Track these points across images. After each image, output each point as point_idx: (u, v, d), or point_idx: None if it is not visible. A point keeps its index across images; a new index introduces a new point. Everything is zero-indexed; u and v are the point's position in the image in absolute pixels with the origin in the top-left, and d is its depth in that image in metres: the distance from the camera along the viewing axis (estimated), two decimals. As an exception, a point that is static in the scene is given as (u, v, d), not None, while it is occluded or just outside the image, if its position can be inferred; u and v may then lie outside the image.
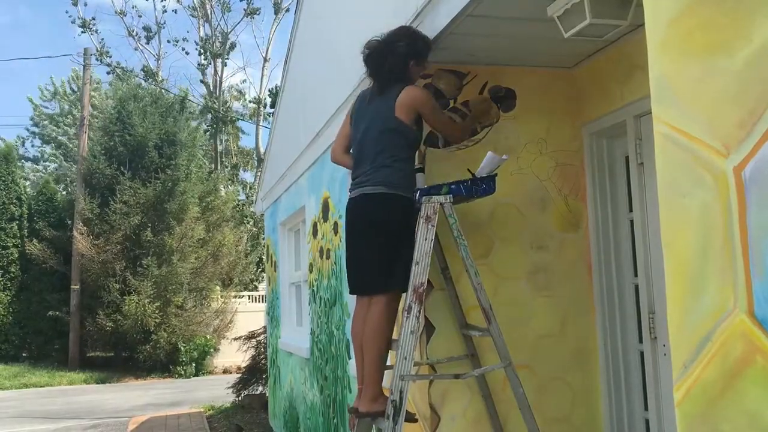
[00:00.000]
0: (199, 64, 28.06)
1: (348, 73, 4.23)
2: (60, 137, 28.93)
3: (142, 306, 15.38)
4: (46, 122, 29.74)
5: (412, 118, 2.93)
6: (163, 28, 28.83)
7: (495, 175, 3.03)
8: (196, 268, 16.63)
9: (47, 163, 30.25)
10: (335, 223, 4.91)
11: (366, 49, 3.08)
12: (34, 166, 30.55)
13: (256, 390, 10.29)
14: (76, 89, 28.42)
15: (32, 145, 30.42)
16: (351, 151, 3.18)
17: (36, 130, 29.93)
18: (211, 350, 16.90)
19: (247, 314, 17.50)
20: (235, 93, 29.82)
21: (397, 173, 2.90)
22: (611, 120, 3.32)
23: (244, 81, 33.34)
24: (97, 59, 25.52)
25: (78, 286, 16.85)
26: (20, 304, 17.33)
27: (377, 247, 2.89)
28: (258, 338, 10.58)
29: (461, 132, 3.25)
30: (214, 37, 27.80)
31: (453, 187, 2.95)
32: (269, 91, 26.83)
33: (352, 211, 3.00)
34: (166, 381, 15.66)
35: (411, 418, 2.90)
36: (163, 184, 16.46)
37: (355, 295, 3.08)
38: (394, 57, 2.98)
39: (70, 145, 26.24)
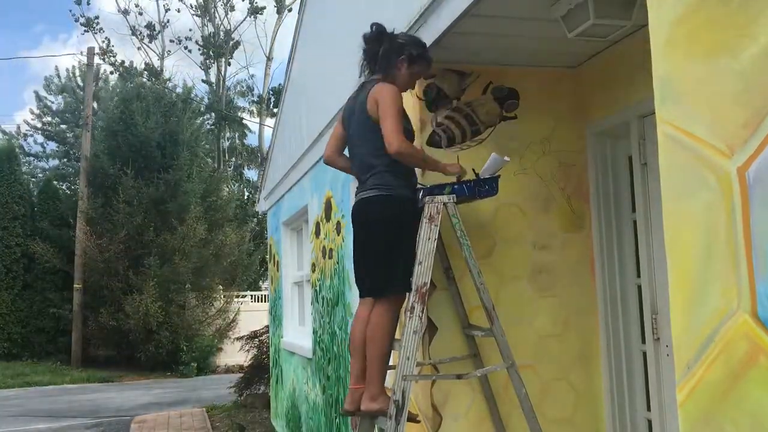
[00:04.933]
0: (202, 63, 28.11)
1: (351, 73, 4.23)
2: (65, 134, 28.91)
3: (145, 305, 15.39)
4: (49, 118, 29.72)
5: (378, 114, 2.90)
6: (166, 27, 28.89)
7: (498, 176, 3.03)
8: (198, 268, 16.65)
9: (50, 161, 30.27)
10: (338, 223, 4.92)
11: (373, 27, 3.05)
12: (36, 162, 30.56)
13: (259, 389, 10.30)
14: (82, 83, 28.39)
15: (35, 141, 30.44)
16: (347, 152, 3.19)
17: (38, 124, 29.91)
18: (214, 349, 16.91)
19: (250, 314, 17.51)
20: (243, 88, 29.77)
21: (389, 173, 2.87)
22: (615, 120, 3.32)
23: (253, 76, 33.22)
24: (100, 58, 25.58)
25: (81, 285, 16.87)
26: (23, 302, 17.37)
27: (376, 250, 2.90)
28: (260, 338, 10.59)
29: (406, 150, 2.80)
30: (217, 36, 27.83)
31: (456, 187, 2.95)
32: (272, 90, 26.90)
33: (354, 215, 3.02)
34: (168, 380, 15.67)
35: (413, 419, 2.91)
36: (165, 183, 16.49)
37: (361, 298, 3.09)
38: (388, 45, 2.97)
39: (75, 144, 26.27)
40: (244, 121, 28.64)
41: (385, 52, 2.97)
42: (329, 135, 5.08)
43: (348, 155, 3.17)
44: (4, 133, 29.52)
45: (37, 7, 50.28)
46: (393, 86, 2.90)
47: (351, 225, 3.08)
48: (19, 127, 30.40)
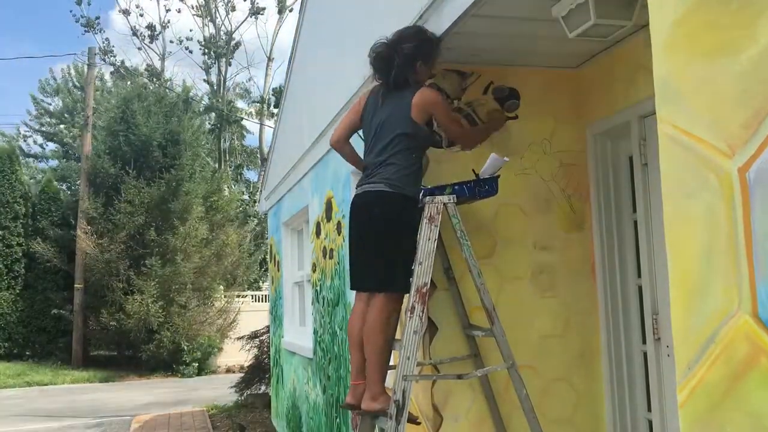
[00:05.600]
0: (203, 63, 28.11)
1: (351, 73, 4.23)
2: (63, 133, 28.97)
3: (146, 305, 15.41)
4: (46, 118, 29.78)
5: (424, 120, 2.94)
6: (167, 27, 28.89)
7: (498, 176, 3.03)
8: (199, 268, 16.65)
9: (49, 161, 30.34)
10: (338, 223, 4.92)
11: (372, 52, 3.07)
12: (36, 163, 30.61)
13: (259, 389, 10.30)
14: (78, 84, 28.46)
15: (34, 142, 30.52)
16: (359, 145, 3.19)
17: (36, 126, 29.99)
18: (215, 350, 16.92)
19: (251, 314, 17.51)
20: (240, 91, 29.84)
21: (402, 171, 2.89)
22: (615, 120, 3.32)
23: (250, 79, 33.30)
24: (101, 59, 25.58)
25: (82, 285, 16.89)
26: (24, 302, 17.39)
27: (377, 245, 2.90)
28: (261, 338, 10.59)
29: (472, 137, 3.21)
30: (218, 37, 27.84)
31: (456, 187, 2.95)
32: (273, 90, 26.91)
33: (355, 206, 3.01)
34: (169, 380, 15.68)
35: (413, 420, 2.91)
36: (167, 183, 16.49)
37: (354, 291, 3.09)
38: (400, 60, 2.96)
39: (74, 144, 26.32)
40: (243, 122, 28.66)
41: (400, 71, 2.97)
42: (330, 135, 5.09)
43: (364, 148, 3.16)
44: (4, 135, 29.60)
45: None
46: (436, 92, 3.00)
47: (348, 217, 3.09)
48: (18, 129, 30.51)
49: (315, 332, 5.75)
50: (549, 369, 3.38)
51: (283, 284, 7.56)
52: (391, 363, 3.11)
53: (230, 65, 28.25)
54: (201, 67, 28.34)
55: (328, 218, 5.24)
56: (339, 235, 4.91)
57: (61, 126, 29.32)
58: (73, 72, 29.10)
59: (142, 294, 15.58)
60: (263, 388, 10.18)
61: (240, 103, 29.61)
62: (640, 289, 3.29)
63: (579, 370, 3.43)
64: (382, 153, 2.95)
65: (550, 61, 3.47)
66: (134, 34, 28.18)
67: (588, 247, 3.50)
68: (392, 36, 3.06)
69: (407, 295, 2.86)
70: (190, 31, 38.33)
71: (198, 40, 27.91)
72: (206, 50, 27.63)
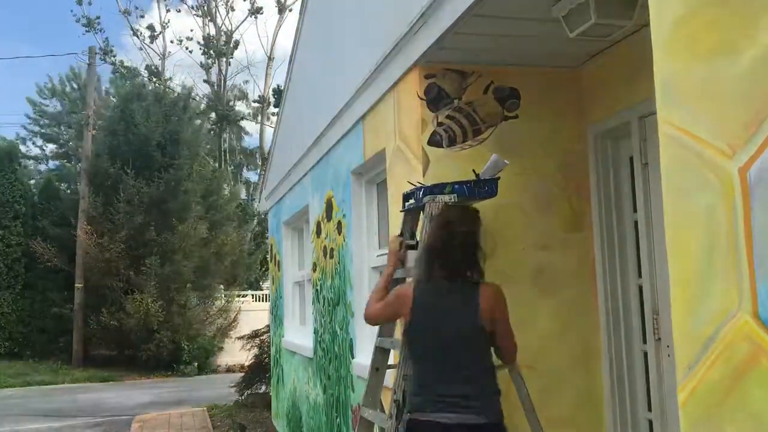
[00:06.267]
0: (202, 64, 28.10)
1: (352, 73, 4.23)
2: (62, 136, 29.03)
3: (146, 305, 15.41)
4: (46, 121, 29.85)
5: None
6: (167, 27, 28.87)
7: (498, 178, 3.03)
8: (199, 267, 16.66)
9: (49, 162, 30.41)
10: (339, 223, 4.91)
11: (460, 225, 2.67)
12: (36, 164, 30.67)
13: (260, 389, 10.30)
14: (76, 87, 28.52)
15: (34, 145, 30.60)
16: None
17: (35, 129, 30.07)
18: (215, 349, 16.93)
19: (251, 313, 17.54)
20: (238, 93, 29.84)
21: (496, 392, 2.64)
22: (616, 121, 3.31)
23: (247, 81, 33.32)
24: (101, 58, 25.55)
25: (82, 285, 16.90)
26: (24, 302, 17.41)
27: None
28: (261, 337, 10.60)
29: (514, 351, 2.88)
30: (218, 36, 27.83)
31: (456, 186, 2.95)
32: (273, 90, 26.90)
33: None
34: (169, 379, 15.68)
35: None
36: (166, 183, 16.50)
37: None
38: (477, 248, 2.66)
39: (73, 145, 26.34)
40: (242, 123, 28.67)
41: (476, 257, 2.65)
42: (330, 135, 5.10)
43: (416, 352, 2.71)
44: (4, 140, 29.71)
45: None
46: (499, 290, 2.69)
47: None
48: (18, 134, 30.67)
49: (315, 332, 5.75)
50: (549, 369, 3.37)
51: (284, 284, 7.56)
52: (391, 362, 3.11)
53: (230, 65, 28.27)
54: (201, 67, 28.35)
55: (329, 218, 5.24)
56: (339, 234, 4.91)
57: (60, 127, 29.37)
58: (70, 75, 29.22)
59: (142, 293, 15.59)
60: (264, 387, 10.19)
61: (239, 105, 29.63)
62: (640, 289, 3.29)
63: (579, 370, 3.43)
64: (462, 366, 2.58)
65: (551, 61, 3.46)
66: (134, 34, 28.18)
67: (588, 247, 3.50)
68: (463, 214, 2.76)
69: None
70: (191, 31, 38.30)
71: (198, 41, 27.92)
72: (206, 50, 27.61)
